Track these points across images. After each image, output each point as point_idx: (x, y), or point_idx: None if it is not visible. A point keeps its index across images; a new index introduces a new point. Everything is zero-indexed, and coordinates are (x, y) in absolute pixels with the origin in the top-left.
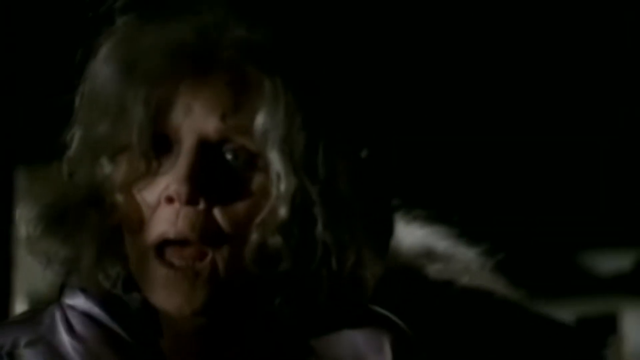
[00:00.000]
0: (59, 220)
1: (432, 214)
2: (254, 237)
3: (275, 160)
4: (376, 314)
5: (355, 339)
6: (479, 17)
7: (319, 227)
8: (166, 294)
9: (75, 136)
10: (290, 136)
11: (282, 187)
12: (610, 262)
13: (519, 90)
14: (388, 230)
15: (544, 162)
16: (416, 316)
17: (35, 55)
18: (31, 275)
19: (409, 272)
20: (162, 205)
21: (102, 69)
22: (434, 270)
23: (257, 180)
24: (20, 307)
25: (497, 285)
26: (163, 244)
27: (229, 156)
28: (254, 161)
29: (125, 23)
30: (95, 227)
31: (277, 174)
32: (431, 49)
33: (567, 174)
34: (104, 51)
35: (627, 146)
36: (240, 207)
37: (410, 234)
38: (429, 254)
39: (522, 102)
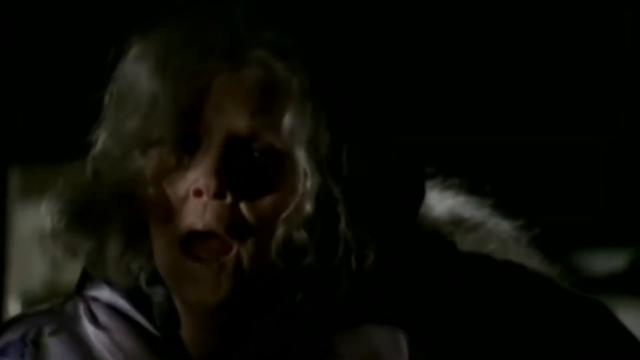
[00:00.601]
0: (83, 215)
1: (466, 184)
2: (280, 231)
3: (301, 158)
4: (393, 311)
5: (372, 336)
6: (478, 15)
7: (342, 224)
8: (191, 286)
9: (102, 135)
10: (316, 135)
11: (308, 184)
12: (606, 262)
13: (520, 90)
14: (417, 199)
15: (543, 162)
16: (441, 283)
17: (31, 57)
18: (25, 274)
19: (436, 239)
20: (191, 198)
21: (133, 68)
22: (461, 237)
23: (283, 177)
24: (13, 306)
25: (531, 260)
26: (189, 237)
27: (257, 153)
28: (281, 158)
29: (156, 25)
30: (121, 221)
31: (304, 171)
32: (447, 50)
33: (567, 174)
34: (134, 51)
35: (627, 146)
36: (267, 202)
37: (442, 203)
38: (458, 222)
39: (523, 102)
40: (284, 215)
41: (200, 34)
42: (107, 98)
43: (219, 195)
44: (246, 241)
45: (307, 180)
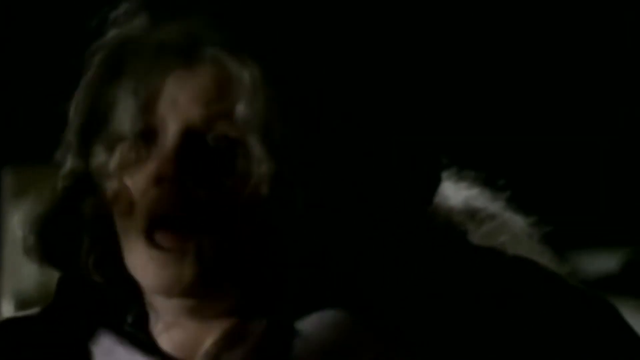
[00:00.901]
0: (54, 224)
1: (481, 176)
2: (238, 215)
3: (254, 144)
4: (360, 300)
5: (338, 320)
6: (477, 15)
7: (297, 207)
8: (155, 275)
9: (69, 150)
10: (268, 123)
11: (262, 169)
12: (602, 263)
13: (520, 91)
14: (430, 187)
15: (542, 162)
16: (449, 273)
17: (24, 57)
18: (18, 275)
19: (448, 228)
20: (150, 188)
21: (94, 77)
22: (474, 228)
23: (238, 164)
24: (6, 307)
25: (542, 257)
26: (151, 227)
27: (212, 142)
28: (235, 147)
29: (115, 33)
30: (92, 223)
31: (257, 157)
32: (432, 46)
33: (566, 173)
34: (95, 61)
35: (627, 146)
36: (223, 188)
37: (457, 193)
38: (472, 213)
39: (523, 102)
40: (240, 199)
41: (157, 35)
42: (71, 114)
43: (175, 182)
44: (206, 227)
45: (260, 165)
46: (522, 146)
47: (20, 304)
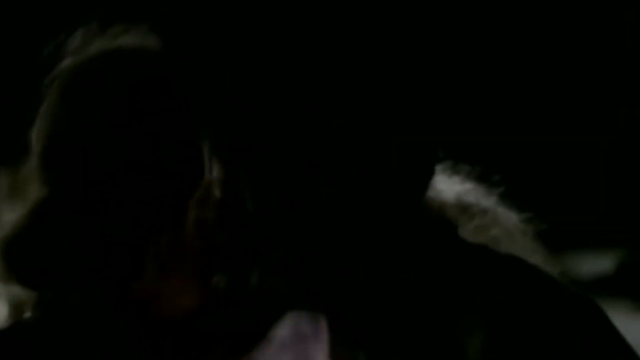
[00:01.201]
0: (22, 247)
1: (476, 171)
2: (191, 214)
3: (206, 149)
4: (316, 296)
5: (298, 321)
6: (476, 14)
7: (248, 208)
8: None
9: (34, 179)
10: (219, 129)
11: (213, 173)
12: (595, 263)
13: (520, 91)
14: (422, 181)
15: (541, 162)
16: (440, 267)
17: (19, 58)
18: None
19: (439, 224)
20: None
21: (52, 105)
22: (465, 222)
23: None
24: (1, 309)
25: (535, 255)
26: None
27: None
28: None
29: (70, 61)
30: (62, 243)
31: (209, 160)
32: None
33: (564, 173)
34: (53, 88)
35: (626, 146)
36: (177, 191)
37: (451, 187)
38: (465, 208)
39: (523, 101)
40: (193, 200)
41: (108, 58)
42: (32, 138)
43: None
44: (163, 229)
45: (211, 169)
46: (521, 146)
47: (15, 306)
